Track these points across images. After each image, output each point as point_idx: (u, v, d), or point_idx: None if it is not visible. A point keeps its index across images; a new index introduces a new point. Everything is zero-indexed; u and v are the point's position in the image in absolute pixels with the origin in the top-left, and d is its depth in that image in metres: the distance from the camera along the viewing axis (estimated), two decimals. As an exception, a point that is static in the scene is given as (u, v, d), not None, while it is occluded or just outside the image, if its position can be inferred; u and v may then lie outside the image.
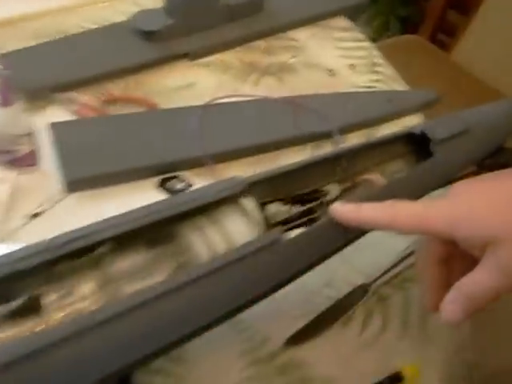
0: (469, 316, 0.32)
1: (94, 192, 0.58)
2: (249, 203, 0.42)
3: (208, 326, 0.37)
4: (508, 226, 0.31)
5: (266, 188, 0.45)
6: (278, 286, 0.40)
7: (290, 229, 0.44)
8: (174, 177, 0.61)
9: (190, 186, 0.60)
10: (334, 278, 0.54)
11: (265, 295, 0.40)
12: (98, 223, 0.38)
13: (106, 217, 0.38)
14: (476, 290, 0.32)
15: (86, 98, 0.65)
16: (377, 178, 0.47)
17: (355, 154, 0.49)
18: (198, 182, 0.61)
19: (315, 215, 0.45)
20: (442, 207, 0.33)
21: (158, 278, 0.38)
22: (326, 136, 0.68)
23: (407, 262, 0.56)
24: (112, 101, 0.67)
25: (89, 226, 0.37)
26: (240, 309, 0.39)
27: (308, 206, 0.46)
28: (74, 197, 0.57)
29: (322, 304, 0.51)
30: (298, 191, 0.46)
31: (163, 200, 0.41)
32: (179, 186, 0.60)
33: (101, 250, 0.37)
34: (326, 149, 0.67)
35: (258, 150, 0.64)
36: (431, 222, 0.33)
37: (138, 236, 0.39)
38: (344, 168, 0.49)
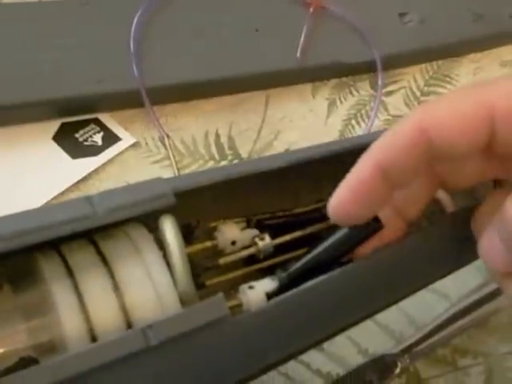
0: None
1: None
2: (170, 236, 0.19)
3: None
4: None
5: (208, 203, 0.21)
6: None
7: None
8: (85, 122, 0.35)
9: (112, 140, 0.35)
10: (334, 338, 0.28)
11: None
12: None
13: None
14: None
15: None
16: (445, 197, 0.21)
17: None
18: (125, 134, 0.35)
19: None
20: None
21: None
22: (362, 69, 0.40)
23: (466, 321, 0.31)
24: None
25: None
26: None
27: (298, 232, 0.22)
28: None
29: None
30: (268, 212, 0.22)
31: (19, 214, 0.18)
32: (91, 139, 0.35)
33: None
34: (359, 91, 0.40)
35: (234, 86, 0.37)
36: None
37: None
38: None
